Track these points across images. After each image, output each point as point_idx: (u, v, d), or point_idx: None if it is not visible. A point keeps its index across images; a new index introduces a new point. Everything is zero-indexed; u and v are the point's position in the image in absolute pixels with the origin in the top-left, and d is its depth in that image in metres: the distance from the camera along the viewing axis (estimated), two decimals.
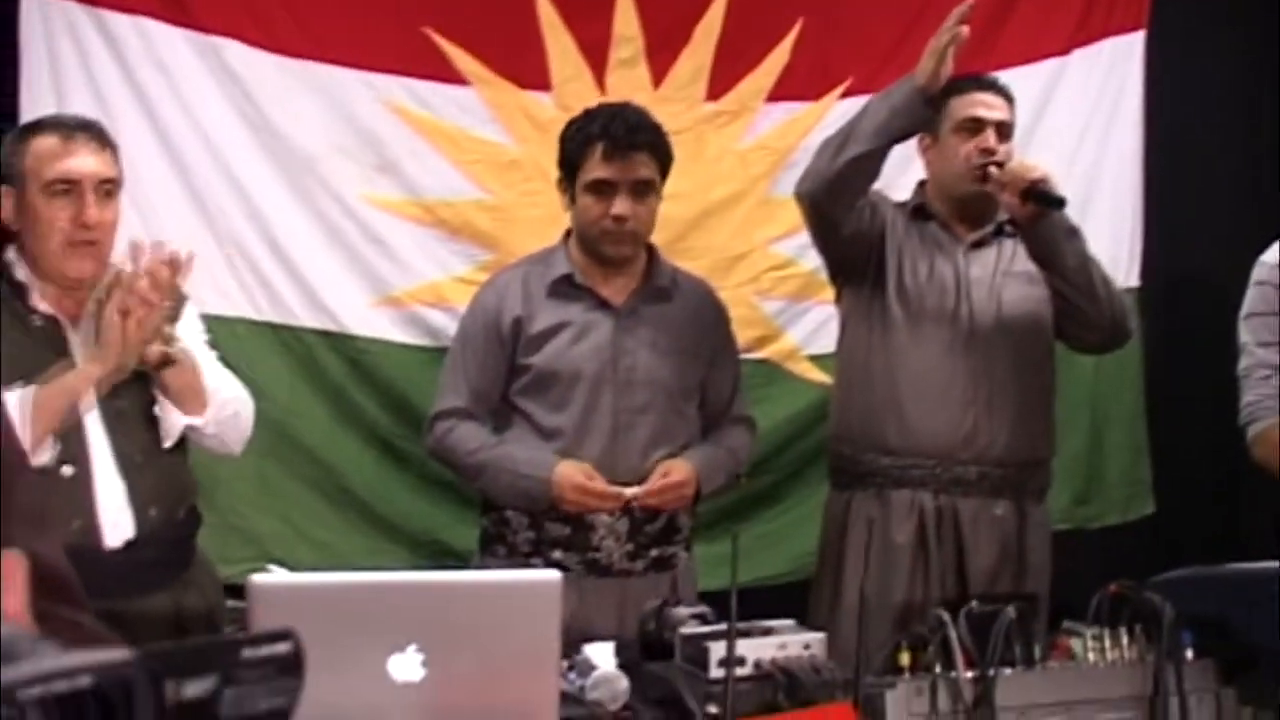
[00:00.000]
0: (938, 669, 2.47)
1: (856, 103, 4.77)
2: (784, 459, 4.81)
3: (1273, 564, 2.58)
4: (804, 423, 4.73)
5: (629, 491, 3.50)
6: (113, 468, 3.02)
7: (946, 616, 2.50)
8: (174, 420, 3.10)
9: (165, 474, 3.12)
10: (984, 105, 3.78)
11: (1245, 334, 3.71)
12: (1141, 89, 5.34)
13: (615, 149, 3.53)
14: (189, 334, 3.20)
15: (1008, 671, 2.49)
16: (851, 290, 3.85)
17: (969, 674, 2.45)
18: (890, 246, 3.76)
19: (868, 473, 3.73)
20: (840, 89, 4.92)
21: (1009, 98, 3.86)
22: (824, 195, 3.60)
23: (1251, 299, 3.72)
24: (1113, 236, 5.02)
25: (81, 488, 2.97)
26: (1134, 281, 5.21)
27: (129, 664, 1.14)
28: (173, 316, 3.07)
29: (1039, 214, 3.58)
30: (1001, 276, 3.78)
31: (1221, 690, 2.60)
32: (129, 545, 3.01)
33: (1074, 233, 3.67)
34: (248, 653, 1.74)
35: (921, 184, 3.93)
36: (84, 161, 3.06)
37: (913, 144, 3.83)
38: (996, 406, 3.69)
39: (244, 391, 3.33)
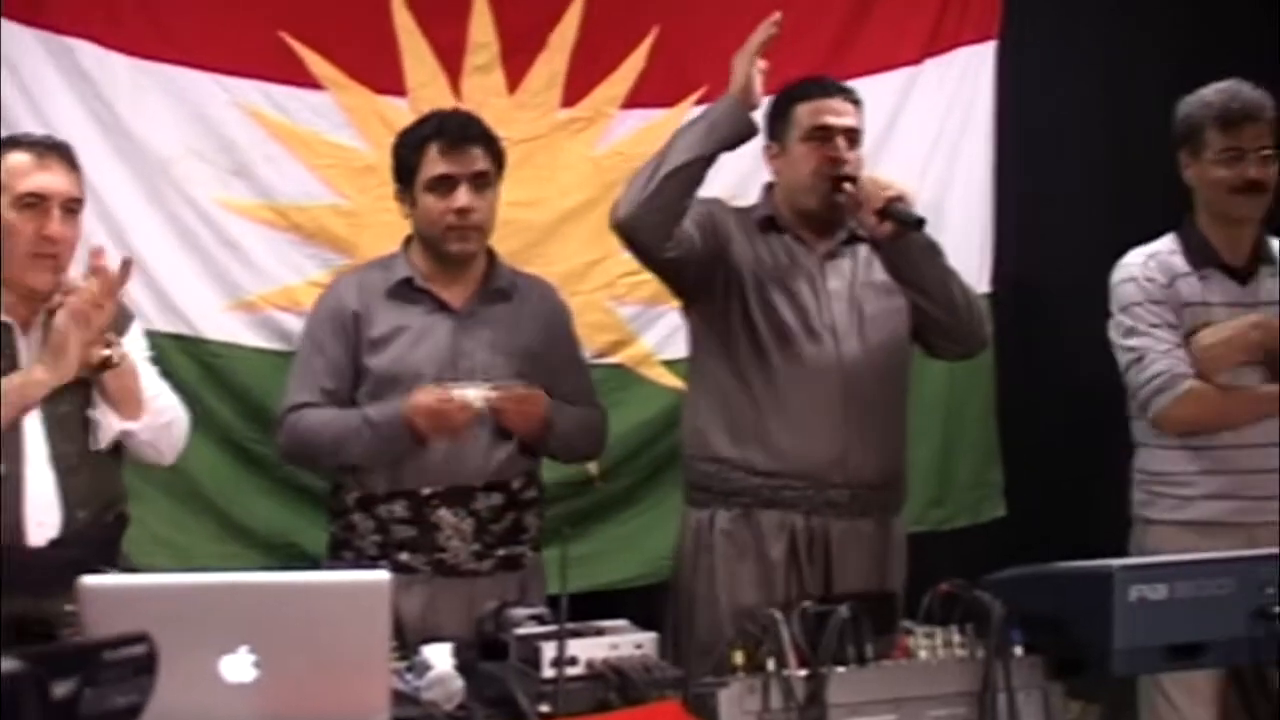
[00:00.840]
0: (771, 667, 2.50)
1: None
2: (639, 462, 4.83)
3: (1100, 563, 2.64)
4: (659, 426, 4.75)
5: (476, 393, 3.48)
6: (47, 468, 3.14)
7: (779, 616, 2.54)
8: (110, 424, 3.22)
9: (97, 477, 3.24)
10: (832, 112, 3.72)
11: (1130, 320, 3.89)
12: (993, 98, 5.41)
13: (451, 145, 3.58)
14: (133, 346, 3.32)
15: (840, 670, 2.52)
16: (702, 307, 3.78)
17: (801, 672, 2.49)
18: (739, 261, 3.71)
19: (734, 492, 3.66)
20: (695, 96, 4.95)
21: (857, 102, 3.81)
22: (639, 219, 3.51)
23: (1125, 293, 3.92)
24: (964, 243, 5.08)
25: (11, 486, 3.08)
26: (985, 288, 5.28)
27: (16, 668, 1.11)
28: (119, 324, 3.23)
29: (897, 233, 3.56)
30: (860, 288, 3.74)
31: (1049, 685, 2.66)
32: (54, 544, 3.11)
33: (933, 249, 3.66)
34: (108, 655, 1.76)
35: (769, 188, 3.88)
36: (55, 179, 3.24)
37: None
38: (866, 426, 3.66)
39: (179, 404, 3.43)
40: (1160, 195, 4.22)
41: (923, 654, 2.66)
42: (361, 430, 3.56)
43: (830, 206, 3.69)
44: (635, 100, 4.95)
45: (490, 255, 3.75)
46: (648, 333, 4.86)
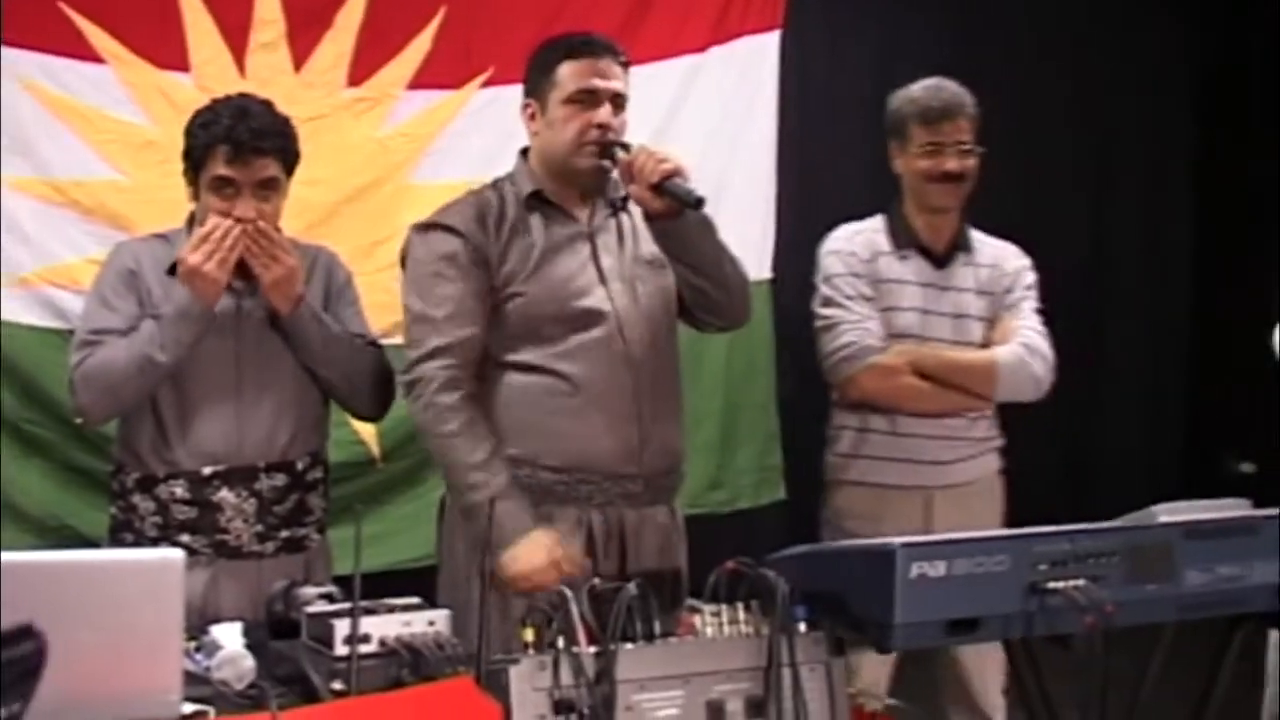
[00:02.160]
0: (561, 645, 2.52)
1: (498, 92, 4.85)
2: (421, 443, 4.83)
3: (882, 541, 2.70)
4: None
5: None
6: None
7: (569, 594, 2.55)
8: None
9: None
10: (599, 74, 3.52)
11: (829, 291, 4.07)
12: (776, 87, 5.50)
13: (238, 153, 3.45)
14: None
15: (628, 646, 2.55)
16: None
17: (591, 649, 2.51)
18: (508, 259, 3.55)
19: (525, 489, 3.45)
20: (481, 78, 4.97)
21: (625, 64, 3.62)
22: None
23: (828, 266, 4.12)
24: (745, 229, 5.17)
25: None
26: (766, 274, 5.38)
27: None
28: None
29: (673, 210, 3.43)
30: (632, 266, 3.63)
31: (832, 660, 2.71)
32: None
33: (708, 225, 3.56)
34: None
35: (524, 154, 3.69)
36: None
37: None
38: (656, 412, 3.59)
39: None
40: None
41: (709, 631, 2.69)
42: (150, 329, 3.44)
43: (592, 174, 3.56)
44: (421, 81, 4.96)
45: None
46: None
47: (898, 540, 2.60)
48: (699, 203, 3.38)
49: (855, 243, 4.14)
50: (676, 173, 3.40)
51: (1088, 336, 7.86)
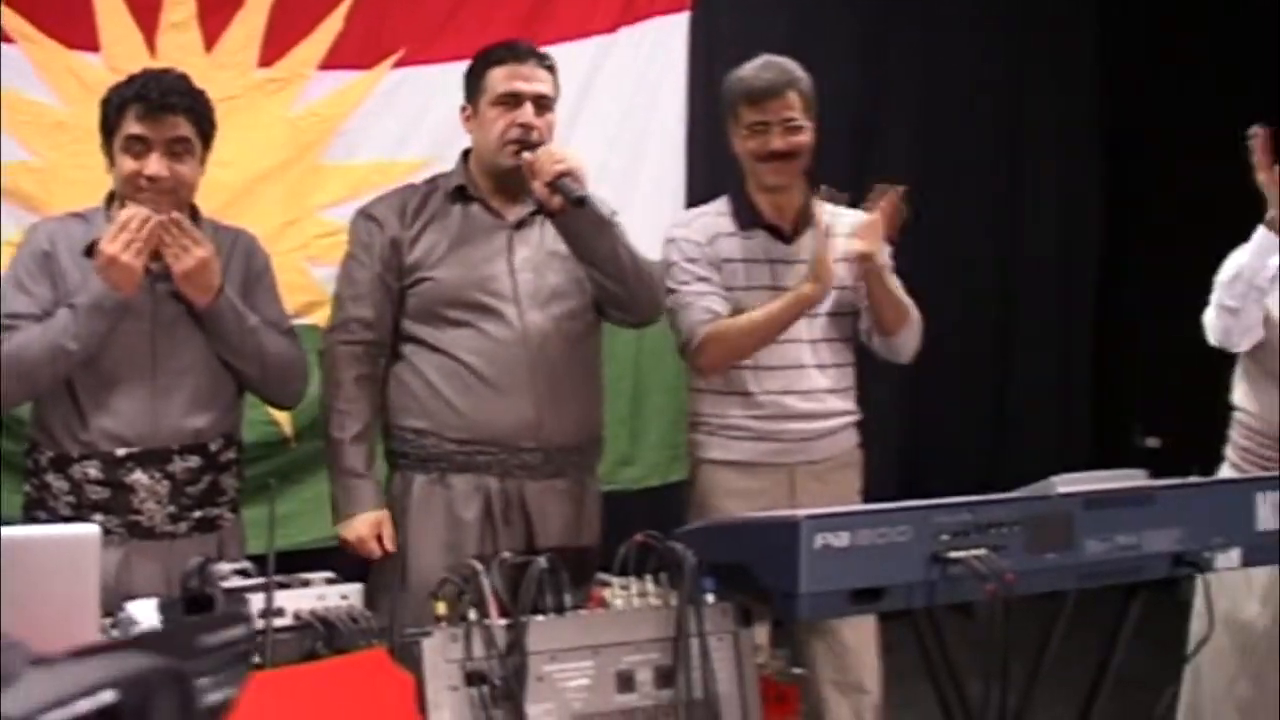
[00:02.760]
0: (472, 617, 2.55)
1: (409, 73, 4.86)
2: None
3: (787, 513, 2.74)
4: None
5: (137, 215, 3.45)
6: None
7: (480, 567, 2.59)
8: None
9: None
10: (522, 78, 3.80)
11: (669, 280, 4.12)
12: (685, 67, 5.54)
13: (149, 110, 3.51)
14: None
15: (539, 619, 2.58)
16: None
17: (502, 621, 2.54)
18: (421, 244, 3.82)
19: (430, 458, 3.78)
20: (393, 59, 4.98)
21: (550, 68, 3.88)
22: None
23: (667, 253, 4.18)
24: (656, 210, 5.20)
25: None
26: None
27: (153, 672, 0.96)
28: None
29: (564, 207, 3.64)
30: (547, 257, 3.85)
31: (740, 630, 2.76)
32: None
33: (604, 223, 3.74)
34: (206, 639, 1.51)
35: (465, 155, 3.95)
36: None
37: None
38: (558, 392, 3.79)
39: None
40: (847, 162, 4.40)
41: (618, 603, 2.73)
42: (65, 318, 3.46)
43: (514, 171, 3.76)
44: (332, 62, 4.96)
45: (194, 213, 3.69)
46: None
47: (803, 511, 2.64)
48: (580, 201, 3.59)
49: (693, 228, 4.19)
50: (569, 172, 3.61)
51: (998, 316, 7.97)
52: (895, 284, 4.17)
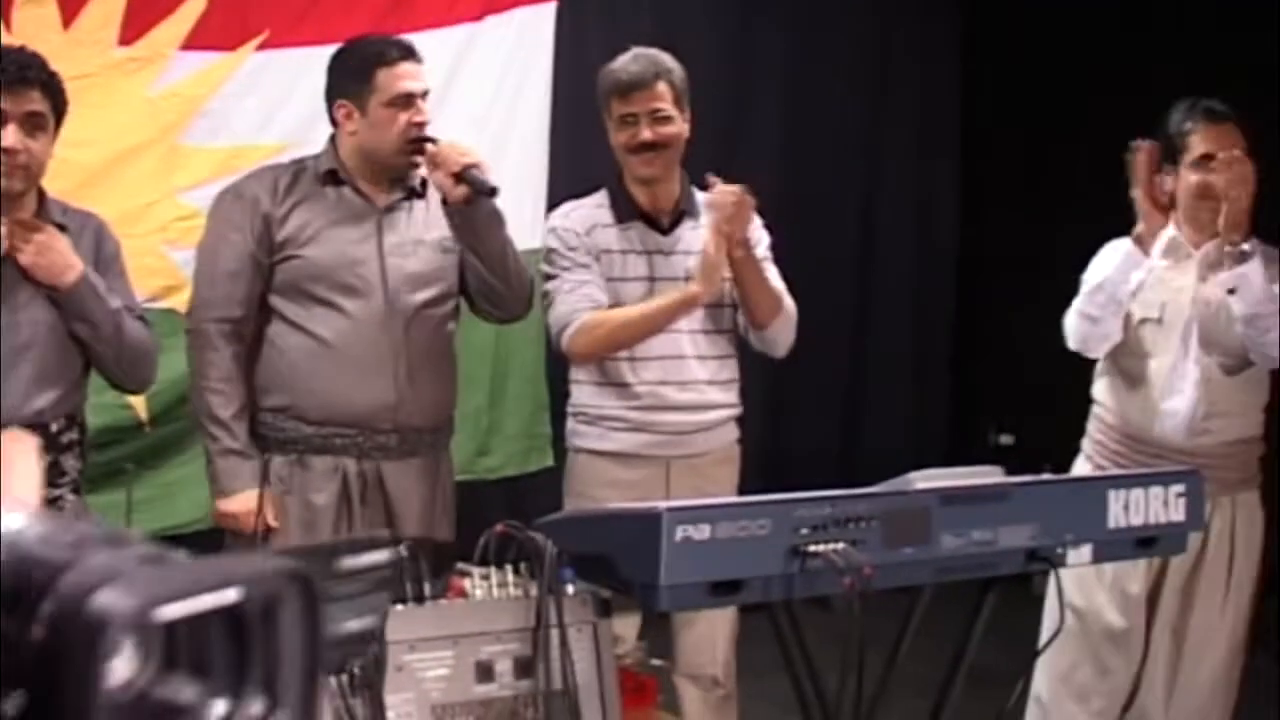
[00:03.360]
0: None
1: (272, 56, 4.81)
2: (189, 407, 4.78)
3: (648, 505, 2.75)
4: None
5: None
6: None
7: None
8: None
9: None
10: (411, 77, 3.85)
11: (547, 267, 4.14)
12: (551, 57, 5.53)
13: (5, 83, 3.45)
14: None
15: (399, 608, 2.57)
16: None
17: None
18: (288, 225, 3.81)
19: (289, 440, 3.80)
20: (256, 41, 4.92)
21: (419, 62, 3.92)
22: None
23: (546, 243, 4.22)
24: (519, 200, 5.20)
25: None
26: (536, 243, 5.39)
27: (284, 575, 0.83)
28: None
29: (469, 198, 3.72)
30: (413, 243, 3.89)
31: (599, 621, 2.77)
32: None
33: (498, 217, 3.85)
34: (347, 562, 1.35)
35: (333, 139, 3.93)
36: None
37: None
38: (418, 376, 3.84)
39: None
40: (709, 156, 4.41)
41: (478, 593, 2.72)
42: None
43: (409, 167, 3.86)
44: (194, 42, 4.90)
45: (40, 194, 3.62)
46: None
47: (664, 504, 2.66)
48: (493, 191, 3.71)
49: (571, 218, 4.20)
50: (476, 165, 3.71)
51: (855, 314, 8.04)
52: (770, 275, 4.19)
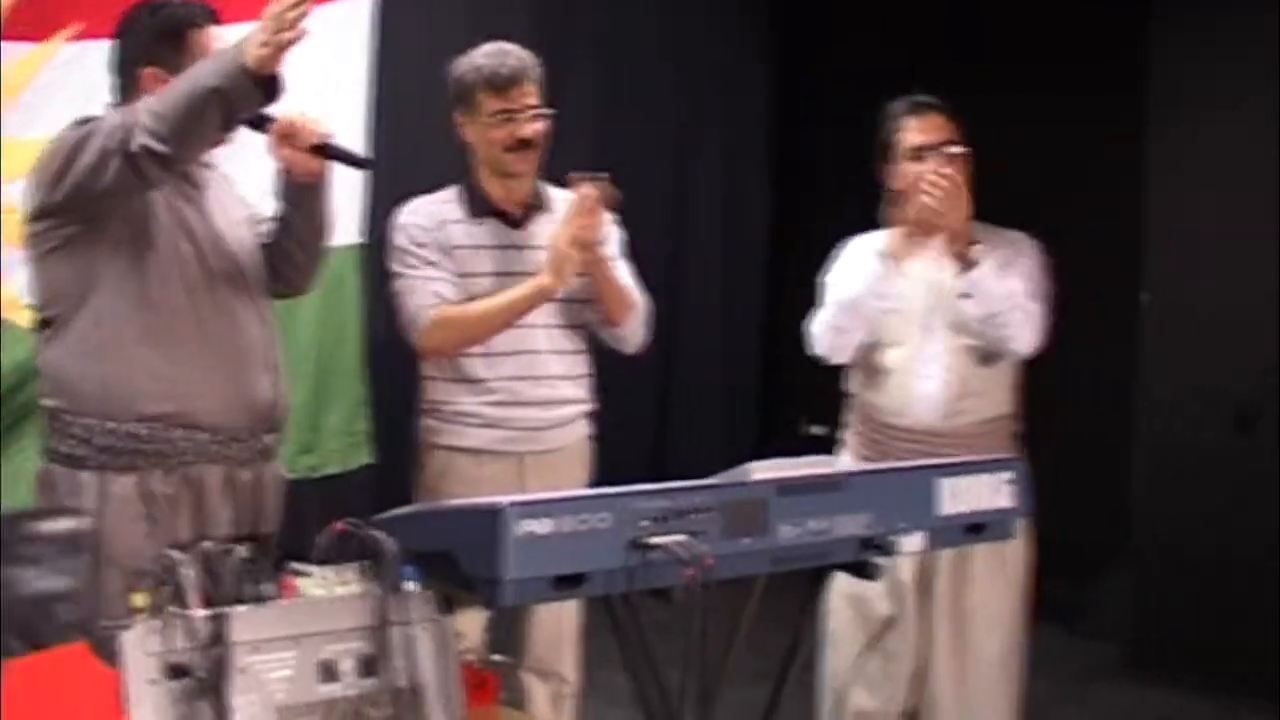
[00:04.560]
0: (172, 608, 2.49)
1: (86, 46, 4.72)
2: (2, 410, 4.68)
3: (490, 500, 2.75)
4: (27, 372, 4.59)
5: None
6: None
7: (180, 556, 2.53)
8: None
9: None
10: (221, 41, 3.56)
11: (397, 265, 4.19)
12: (369, 52, 5.49)
13: None
14: None
15: (241, 609, 2.54)
16: (86, 246, 3.44)
17: (203, 612, 2.49)
18: (146, 207, 3.50)
19: (162, 454, 3.43)
20: (69, 32, 4.83)
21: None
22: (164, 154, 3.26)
23: (394, 240, 4.23)
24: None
25: None
26: (357, 238, 5.36)
27: None
28: None
29: (320, 171, 3.62)
30: (235, 225, 3.68)
31: (441, 619, 2.76)
32: None
33: (329, 193, 3.75)
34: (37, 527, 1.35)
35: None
36: None
37: None
38: (278, 369, 3.66)
39: None
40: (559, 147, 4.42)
41: (319, 592, 2.70)
42: None
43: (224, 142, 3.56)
44: (5, 33, 4.79)
45: None
46: (13, 276, 4.69)
47: (505, 499, 2.66)
48: (366, 162, 3.72)
49: (420, 214, 4.20)
50: (333, 136, 3.61)
51: (667, 309, 8.08)
52: (623, 272, 4.22)
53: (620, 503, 2.74)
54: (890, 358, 4.32)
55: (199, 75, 3.25)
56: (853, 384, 4.47)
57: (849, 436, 4.50)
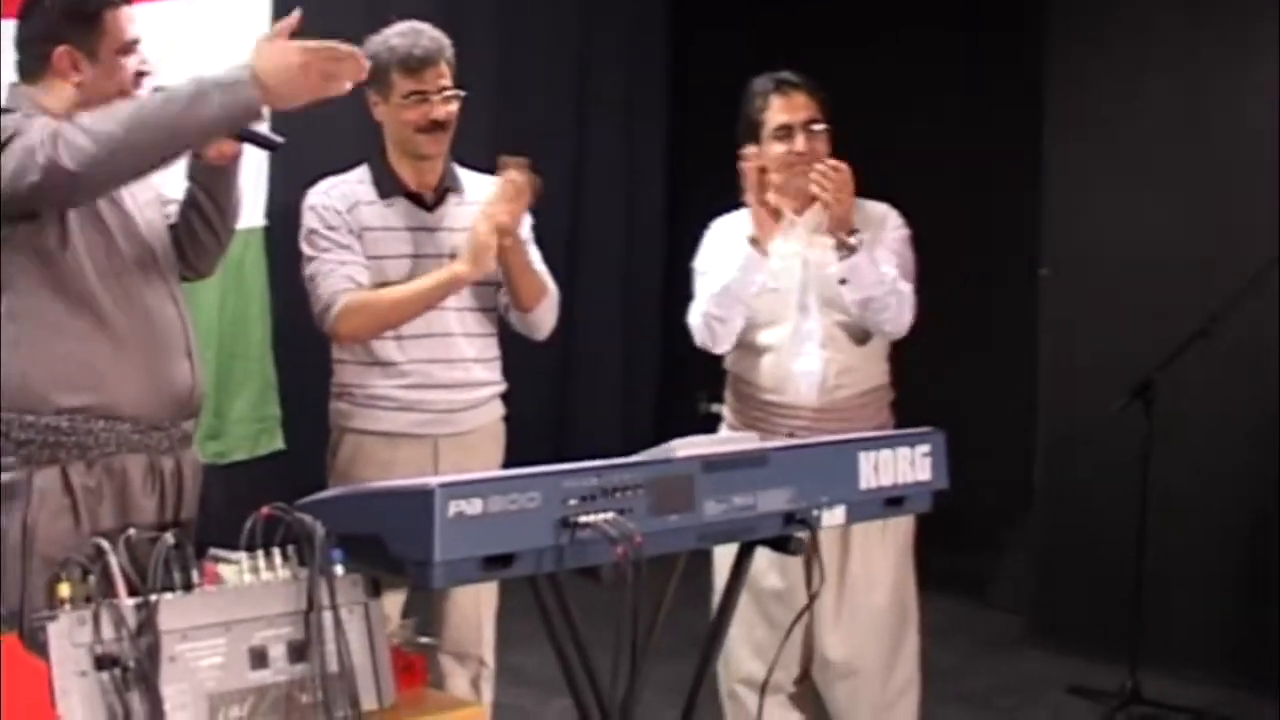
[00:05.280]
0: (100, 598, 2.47)
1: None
2: None
3: (419, 481, 2.75)
4: None
5: None
6: None
7: (106, 545, 2.50)
8: None
9: None
10: (134, 22, 3.51)
11: (308, 248, 4.11)
12: (268, 31, 5.44)
13: None
14: None
15: (169, 596, 2.52)
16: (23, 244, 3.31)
17: (131, 601, 2.47)
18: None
19: (83, 446, 3.32)
20: None
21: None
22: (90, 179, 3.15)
23: (305, 222, 4.13)
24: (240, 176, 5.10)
25: None
26: (260, 221, 5.32)
27: None
28: None
29: (236, 153, 3.53)
30: (139, 208, 3.55)
31: (370, 602, 2.75)
32: None
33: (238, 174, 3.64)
34: None
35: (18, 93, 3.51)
36: None
37: None
38: (195, 354, 3.55)
39: None
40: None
41: (246, 578, 2.68)
42: None
43: None
44: None
45: None
46: None
47: (435, 480, 2.65)
48: (279, 145, 3.57)
49: (332, 195, 4.14)
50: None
51: (565, 286, 8.05)
52: (535, 258, 4.21)
53: (549, 482, 2.74)
54: (767, 337, 4.33)
55: (190, 100, 3.13)
56: (730, 362, 4.49)
57: (728, 413, 4.53)
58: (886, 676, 4.38)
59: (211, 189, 3.58)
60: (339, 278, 4.01)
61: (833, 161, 4.18)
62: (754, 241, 4.19)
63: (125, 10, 3.49)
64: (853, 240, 4.15)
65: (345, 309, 4.00)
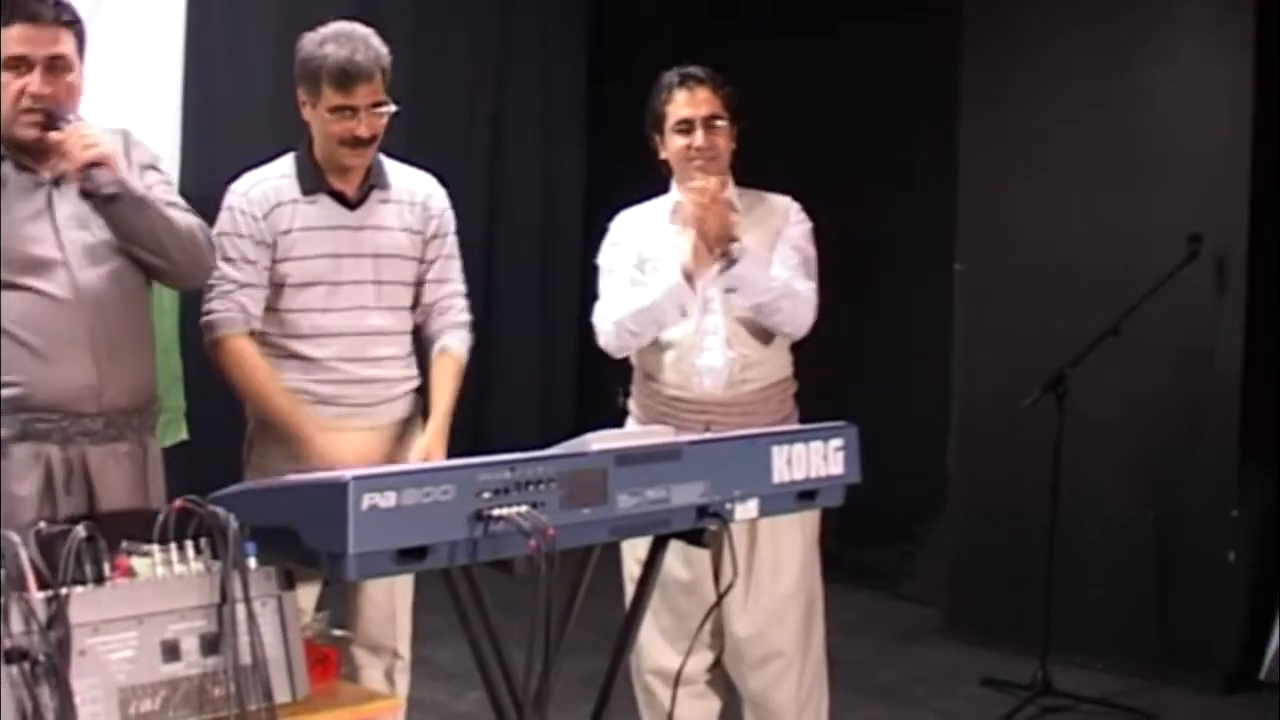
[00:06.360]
0: (10, 591, 2.45)
1: None
2: None
3: (333, 474, 2.75)
4: None
5: None
6: None
7: (16, 539, 2.49)
8: None
9: None
10: (32, 42, 3.47)
11: (228, 249, 4.01)
12: (183, 24, 5.43)
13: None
14: None
15: (80, 589, 2.51)
16: None
17: (41, 594, 2.46)
18: None
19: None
20: None
21: (71, 23, 3.57)
22: None
23: (220, 220, 4.05)
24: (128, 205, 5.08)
25: None
26: None
27: None
28: None
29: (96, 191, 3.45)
30: (90, 212, 3.53)
31: (284, 594, 2.75)
32: None
33: (140, 203, 3.53)
34: None
35: None
36: None
37: None
38: (118, 353, 3.55)
39: None
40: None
41: (159, 570, 2.67)
42: None
43: (34, 144, 3.50)
44: None
45: None
46: None
47: (349, 472, 2.65)
48: (112, 198, 3.44)
49: (253, 195, 4.07)
50: (99, 161, 3.44)
51: (483, 281, 8.08)
52: (455, 272, 4.32)
53: (462, 475, 2.75)
54: (671, 333, 4.33)
55: None
56: (635, 358, 4.49)
57: (634, 407, 4.53)
58: (802, 665, 4.41)
59: (104, 218, 3.54)
60: (233, 303, 3.97)
61: (698, 183, 4.21)
62: (687, 276, 4.21)
63: (17, 29, 3.46)
64: (734, 251, 4.18)
65: (223, 350, 4.03)
